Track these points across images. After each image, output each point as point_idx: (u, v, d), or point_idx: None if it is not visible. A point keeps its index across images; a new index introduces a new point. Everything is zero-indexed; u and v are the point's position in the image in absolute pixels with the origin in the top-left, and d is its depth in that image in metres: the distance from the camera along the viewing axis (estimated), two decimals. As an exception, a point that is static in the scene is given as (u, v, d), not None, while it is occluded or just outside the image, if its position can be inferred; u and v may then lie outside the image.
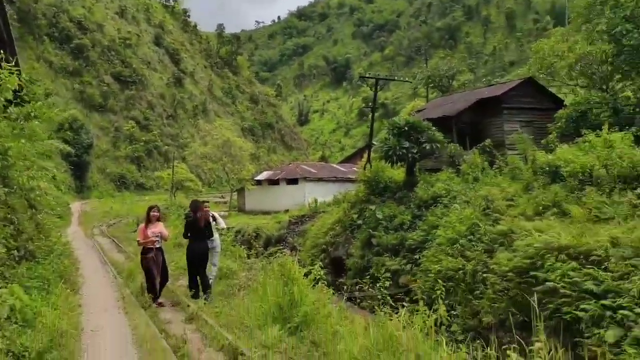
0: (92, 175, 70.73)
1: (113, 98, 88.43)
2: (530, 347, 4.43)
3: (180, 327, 8.31)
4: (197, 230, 11.24)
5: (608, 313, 11.21)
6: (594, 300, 11.67)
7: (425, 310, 5.53)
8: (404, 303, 6.50)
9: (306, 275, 8.57)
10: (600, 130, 17.99)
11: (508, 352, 4.29)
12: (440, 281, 7.11)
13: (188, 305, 9.89)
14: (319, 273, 8.59)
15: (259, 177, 51.64)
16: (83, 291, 12.48)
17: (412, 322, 5.95)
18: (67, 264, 16.10)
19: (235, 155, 53.87)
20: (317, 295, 7.88)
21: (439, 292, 5.88)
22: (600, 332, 11.08)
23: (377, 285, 8.30)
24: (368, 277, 21.16)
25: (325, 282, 8.38)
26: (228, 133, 56.71)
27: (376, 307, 6.79)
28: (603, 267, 11.96)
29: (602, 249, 12.27)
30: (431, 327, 5.49)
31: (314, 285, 8.45)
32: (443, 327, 5.47)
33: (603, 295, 11.57)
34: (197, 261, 11.17)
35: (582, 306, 11.73)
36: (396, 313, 6.40)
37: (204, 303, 9.86)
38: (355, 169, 49.40)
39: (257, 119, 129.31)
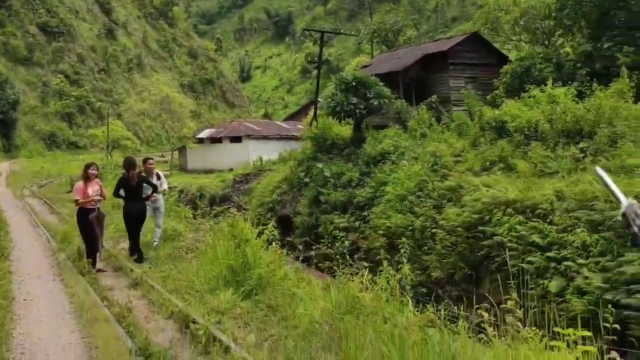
0: (20, 133, 66.46)
1: (39, 50, 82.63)
2: (503, 305, 4.22)
3: (124, 294, 7.76)
4: (131, 189, 10.51)
5: (552, 264, 11.50)
6: (539, 253, 11.94)
7: (389, 270, 5.26)
8: (365, 263, 6.20)
9: (258, 235, 8.17)
10: (545, 85, 18.22)
11: (480, 311, 4.07)
12: (404, 239, 6.86)
13: (131, 270, 9.30)
14: (272, 233, 8.19)
15: (200, 135, 50.13)
16: (13, 256, 11.56)
17: (374, 282, 5.68)
18: (-6, 227, 15.05)
19: (174, 112, 51.90)
20: (272, 257, 7.51)
21: (402, 250, 5.59)
22: (544, 283, 11.38)
23: (336, 244, 8.00)
24: (325, 237, 21.05)
25: (279, 243, 8.00)
26: (166, 89, 54.38)
27: (335, 268, 6.48)
28: (548, 220, 12.20)
29: (547, 202, 12.50)
30: (395, 287, 5.23)
31: (267, 247, 8.07)
32: (408, 287, 5.22)
33: (548, 248, 11.85)
34: (133, 223, 10.58)
35: (528, 259, 11.98)
36: (355, 274, 6.13)
37: (149, 267, 9.32)
38: (300, 126, 48.81)
39: (197, 74, 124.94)
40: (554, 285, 10.70)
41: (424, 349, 3.94)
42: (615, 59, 19.66)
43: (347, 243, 8.86)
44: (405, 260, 5.46)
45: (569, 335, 3.32)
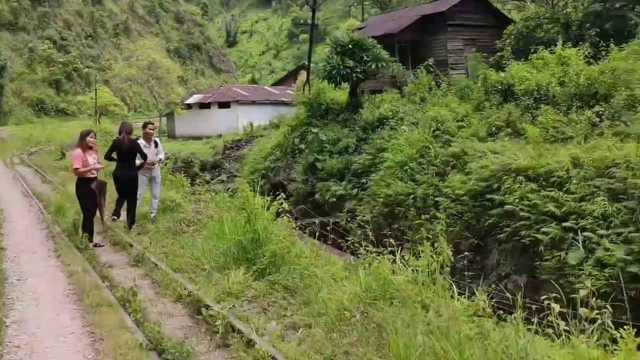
0: (7, 100, 64.62)
1: (25, 15, 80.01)
2: (573, 295, 3.68)
3: (125, 273, 7.20)
4: (121, 154, 10.04)
5: (570, 235, 11.06)
6: (554, 223, 11.48)
7: (430, 251, 4.70)
8: (392, 240, 5.65)
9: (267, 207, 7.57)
10: (555, 46, 17.50)
11: (547, 301, 3.54)
12: (440, 214, 6.29)
13: (131, 245, 8.71)
14: (281, 205, 7.59)
15: (188, 101, 49.07)
16: (4, 230, 10.92)
17: (407, 264, 5.15)
18: (-19, 198, 14.36)
19: (162, 77, 50.90)
20: (284, 232, 6.94)
21: (439, 227, 5.04)
22: (561, 255, 10.95)
23: (357, 219, 7.43)
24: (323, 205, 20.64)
25: (293, 218, 7.42)
26: (154, 54, 53.03)
27: (357, 246, 5.92)
28: (564, 188, 11.71)
29: (563, 169, 11.99)
30: (435, 269, 4.67)
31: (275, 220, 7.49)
32: (447, 269, 4.69)
33: (564, 218, 11.39)
34: (122, 188, 10.18)
35: (543, 229, 11.53)
36: (381, 253, 5.59)
37: (150, 243, 8.71)
38: (289, 91, 47.90)
39: (183, 39, 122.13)
40: (572, 257, 10.26)
41: (487, 347, 3.43)
42: (627, 19, 18.91)
43: (368, 216, 8.29)
44: (442, 238, 4.90)
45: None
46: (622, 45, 16.34)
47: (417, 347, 3.60)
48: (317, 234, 8.00)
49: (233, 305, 5.52)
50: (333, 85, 23.97)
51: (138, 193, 10.60)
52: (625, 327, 3.07)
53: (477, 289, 4.39)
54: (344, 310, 4.82)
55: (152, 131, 11.13)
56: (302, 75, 42.77)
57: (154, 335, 4.77)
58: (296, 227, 7.58)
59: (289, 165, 25.33)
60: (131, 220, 10.28)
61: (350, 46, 23.17)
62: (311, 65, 36.92)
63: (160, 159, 11.52)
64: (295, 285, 5.90)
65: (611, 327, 3.20)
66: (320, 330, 4.63)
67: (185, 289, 6.09)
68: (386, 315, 4.32)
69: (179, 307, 5.89)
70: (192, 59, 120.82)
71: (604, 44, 17.01)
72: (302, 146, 24.23)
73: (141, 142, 10.75)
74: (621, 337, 3.04)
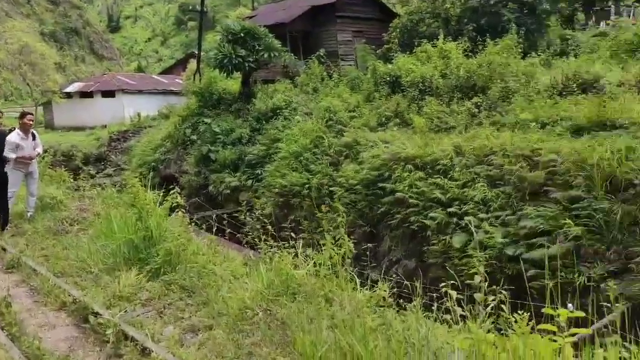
0: None
1: None
2: (468, 281, 3.82)
3: (-2, 281, 6.51)
4: None
5: (454, 220, 11.70)
6: (440, 208, 12.09)
7: (331, 244, 4.68)
8: (293, 234, 5.59)
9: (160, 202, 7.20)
10: (437, 39, 18.35)
11: (446, 288, 3.64)
12: (340, 206, 6.28)
13: (3, 249, 7.91)
14: (175, 200, 7.25)
15: (68, 89, 45.71)
16: None
17: (308, 257, 5.12)
18: None
19: (36, 63, 46.93)
20: (179, 228, 6.62)
21: (340, 219, 5.02)
22: (446, 239, 11.56)
23: (255, 212, 7.28)
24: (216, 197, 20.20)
25: (186, 211, 7.10)
26: (25, 37, 48.76)
27: (257, 240, 5.79)
28: (449, 176, 12.35)
29: (447, 158, 12.64)
30: (337, 261, 4.66)
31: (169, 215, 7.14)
32: (349, 261, 4.71)
33: (449, 204, 12.02)
34: None
35: (430, 215, 12.09)
36: (282, 247, 5.51)
37: (27, 245, 7.95)
38: (179, 80, 46.34)
39: (59, 22, 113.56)
40: (456, 240, 10.87)
41: (391, 338, 3.47)
42: (501, 15, 20.35)
43: (269, 209, 8.15)
44: (343, 229, 4.90)
45: (558, 316, 2.98)
46: (496, 40, 17.57)
47: (323, 343, 3.57)
48: (215, 228, 7.75)
49: (125, 310, 5.17)
50: (225, 74, 23.46)
51: (12, 190, 9.68)
52: (520, 311, 3.23)
53: (379, 278, 4.44)
54: (246, 308, 4.68)
55: (30, 122, 10.16)
56: (192, 64, 41.42)
57: (32, 351, 4.30)
58: (192, 221, 7.28)
59: (180, 157, 24.55)
60: (4, 220, 9.36)
61: (242, 34, 22.76)
62: (201, 53, 35.91)
63: (38, 153, 10.60)
64: (193, 285, 5.65)
65: (505, 311, 3.36)
66: (222, 331, 4.46)
67: (69, 295, 5.61)
68: (290, 311, 4.25)
69: (63, 316, 5.40)
70: (70, 44, 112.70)
71: (480, 39, 18.18)
72: (194, 137, 23.57)
73: (18, 133, 9.80)
74: (515, 321, 3.19)
